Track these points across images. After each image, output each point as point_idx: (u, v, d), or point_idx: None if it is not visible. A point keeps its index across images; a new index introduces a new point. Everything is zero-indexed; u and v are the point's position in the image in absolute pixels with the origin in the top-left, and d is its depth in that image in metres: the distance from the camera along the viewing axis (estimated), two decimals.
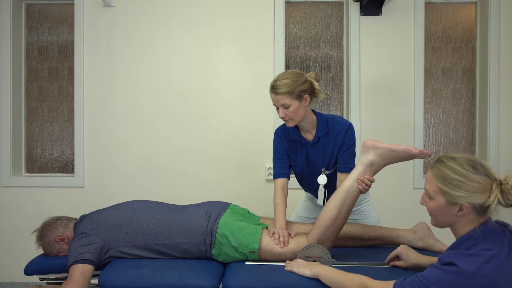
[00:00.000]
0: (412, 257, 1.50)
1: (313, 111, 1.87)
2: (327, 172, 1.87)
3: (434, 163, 1.21)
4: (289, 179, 1.92)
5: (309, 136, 1.87)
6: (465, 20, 2.99)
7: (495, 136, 2.85)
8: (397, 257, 1.56)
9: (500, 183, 1.11)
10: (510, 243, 1.12)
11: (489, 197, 1.09)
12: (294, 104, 1.74)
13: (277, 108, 1.79)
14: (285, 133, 1.92)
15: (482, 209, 1.13)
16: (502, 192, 1.10)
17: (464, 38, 2.99)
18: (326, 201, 1.86)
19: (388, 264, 1.58)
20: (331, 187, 1.88)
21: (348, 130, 1.82)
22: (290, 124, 1.80)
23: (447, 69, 2.99)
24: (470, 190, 1.12)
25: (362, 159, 1.65)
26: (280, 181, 1.88)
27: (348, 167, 1.81)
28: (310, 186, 2.01)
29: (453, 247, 1.19)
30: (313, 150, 1.86)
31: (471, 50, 3.00)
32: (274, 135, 1.95)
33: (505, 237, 1.13)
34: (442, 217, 1.20)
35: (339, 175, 1.83)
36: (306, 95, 1.76)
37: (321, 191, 1.87)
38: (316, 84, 1.78)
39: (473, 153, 3.00)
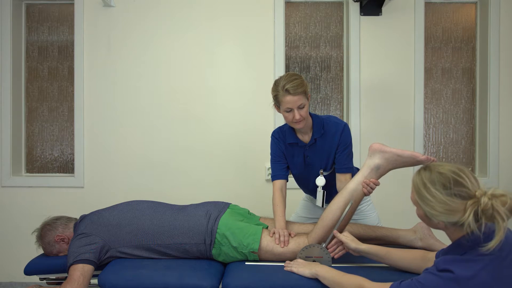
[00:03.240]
0: (352, 246, 1.52)
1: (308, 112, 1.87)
2: (325, 173, 1.87)
3: (416, 173, 1.19)
4: (287, 181, 1.92)
5: (306, 138, 1.87)
6: (465, 20, 2.99)
7: (495, 136, 2.85)
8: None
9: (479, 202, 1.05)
10: (509, 245, 1.09)
11: (462, 216, 1.06)
12: (306, 103, 1.75)
13: (289, 112, 1.73)
14: (282, 136, 1.91)
15: (459, 226, 1.10)
16: (479, 209, 1.05)
17: (464, 38, 2.99)
18: (325, 202, 1.87)
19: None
20: (329, 189, 1.88)
21: (343, 131, 1.82)
22: (302, 125, 1.77)
23: (447, 69, 2.99)
24: (438, 210, 1.10)
25: (368, 162, 1.65)
26: (278, 182, 1.88)
27: (346, 167, 1.82)
28: (308, 187, 2.01)
29: (446, 251, 1.17)
30: (310, 152, 1.86)
31: (471, 50, 3.00)
32: (271, 137, 1.95)
33: (503, 240, 1.09)
34: (429, 225, 1.19)
35: (338, 176, 1.84)
36: (309, 94, 1.78)
37: (320, 193, 1.87)
38: None
39: (473, 153, 3.00)
